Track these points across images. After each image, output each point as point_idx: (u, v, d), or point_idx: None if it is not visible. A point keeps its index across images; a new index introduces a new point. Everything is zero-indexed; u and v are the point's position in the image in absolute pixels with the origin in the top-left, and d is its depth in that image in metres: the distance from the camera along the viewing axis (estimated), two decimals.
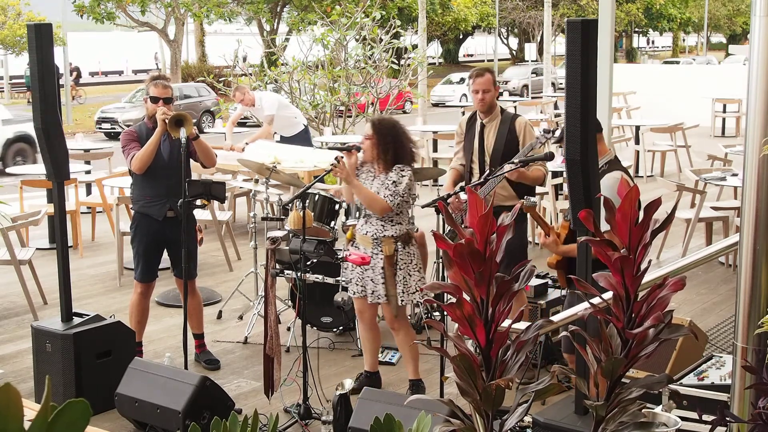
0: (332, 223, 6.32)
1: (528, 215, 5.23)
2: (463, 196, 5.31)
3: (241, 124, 11.12)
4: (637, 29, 56.48)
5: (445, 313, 2.15)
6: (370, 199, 5.02)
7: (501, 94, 26.27)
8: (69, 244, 5.74)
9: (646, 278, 1.86)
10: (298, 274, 4.84)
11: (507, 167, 5.25)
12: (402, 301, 5.10)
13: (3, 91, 34.02)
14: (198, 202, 5.55)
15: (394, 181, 5.03)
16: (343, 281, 5.50)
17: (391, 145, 5.04)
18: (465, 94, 28.24)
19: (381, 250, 5.06)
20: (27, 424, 1.17)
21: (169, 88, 5.55)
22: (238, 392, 5.35)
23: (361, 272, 5.13)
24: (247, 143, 9.73)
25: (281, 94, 11.90)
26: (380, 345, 5.56)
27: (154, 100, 5.47)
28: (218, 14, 30.32)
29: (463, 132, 5.80)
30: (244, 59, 12.42)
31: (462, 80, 30.70)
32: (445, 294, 2.26)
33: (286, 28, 34.21)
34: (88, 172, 10.46)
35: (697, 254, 4.04)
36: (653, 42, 73.04)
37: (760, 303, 2.73)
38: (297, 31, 19.50)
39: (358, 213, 5.56)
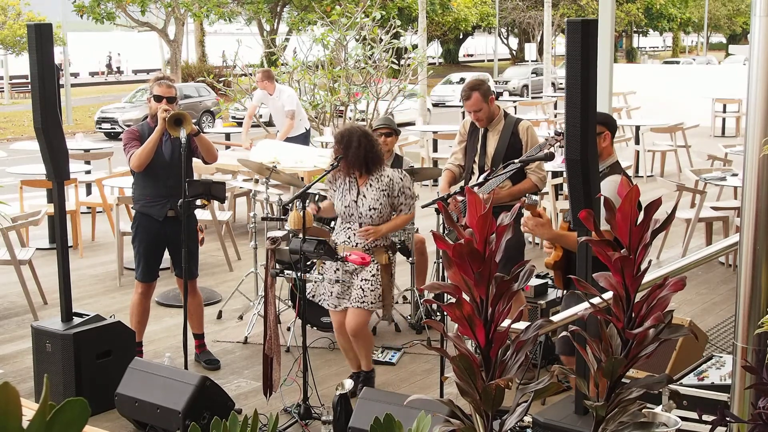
0: (332, 223, 6.32)
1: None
2: (460, 198, 5.30)
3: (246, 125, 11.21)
4: (637, 29, 56.49)
5: (445, 313, 2.14)
6: (398, 226, 5.17)
7: (501, 94, 26.35)
8: (69, 244, 5.74)
9: (646, 278, 1.85)
10: (298, 274, 4.84)
11: (508, 167, 5.23)
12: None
13: (3, 91, 33.98)
14: (198, 202, 5.56)
15: (403, 191, 5.10)
16: (312, 296, 5.28)
17: (363, 152, 5.00)
18: None
19: (374, 260, 5.07)
20: (26, 424, 1.17)
21: (173, 88, 5.55)
22: (238, 392, 5.35)
23: (350, 279, 5.11)
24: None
25: None
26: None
27: (158, 99, 5.47)
28: (218, 14, 30.33)
29: (466, 132, 5.78)
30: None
31: (462, 80, 30.69)
32: (445, 294, 2.26)
33: (286, 28, 34.23)
34: (88, 172, 10.46)
35: (697, 254, 4.04)
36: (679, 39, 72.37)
37: (760, 303, 2.73)
38: (297, 31, 19.52)
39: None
